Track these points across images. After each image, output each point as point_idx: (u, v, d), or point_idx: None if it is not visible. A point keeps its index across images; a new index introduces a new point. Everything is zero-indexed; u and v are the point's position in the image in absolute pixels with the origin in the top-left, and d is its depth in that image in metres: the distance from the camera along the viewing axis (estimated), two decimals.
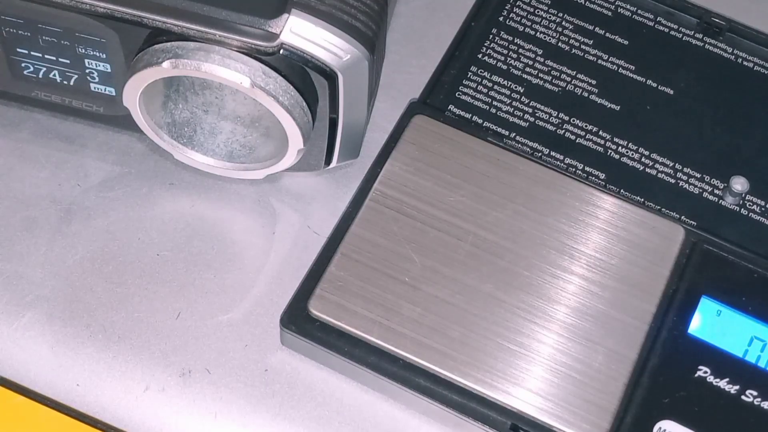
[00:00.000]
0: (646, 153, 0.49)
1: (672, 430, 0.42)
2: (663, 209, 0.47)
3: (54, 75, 0.45)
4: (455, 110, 0.49)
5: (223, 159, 0.46)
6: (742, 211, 0.48)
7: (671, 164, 0.48)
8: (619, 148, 0.49)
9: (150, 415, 0.43)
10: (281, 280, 0.46)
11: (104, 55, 0.44)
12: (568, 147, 0.48)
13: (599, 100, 0.50)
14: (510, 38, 0.51)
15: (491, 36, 0.51)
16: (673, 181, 0.48)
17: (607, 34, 0.52)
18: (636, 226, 0.46)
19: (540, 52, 0.51)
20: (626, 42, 0.51)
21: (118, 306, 0.45)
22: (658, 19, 0.52)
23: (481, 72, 0.50)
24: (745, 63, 0.51)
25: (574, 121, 0.49)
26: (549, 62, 0.51)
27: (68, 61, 0.44)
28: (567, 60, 0.51)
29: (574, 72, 0.50)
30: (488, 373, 0.42)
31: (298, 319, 0.43)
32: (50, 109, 0.47)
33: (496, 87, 0.50)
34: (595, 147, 0.49)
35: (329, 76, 0.42)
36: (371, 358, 0.42)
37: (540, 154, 0.48)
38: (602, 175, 0.48)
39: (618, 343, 0.43)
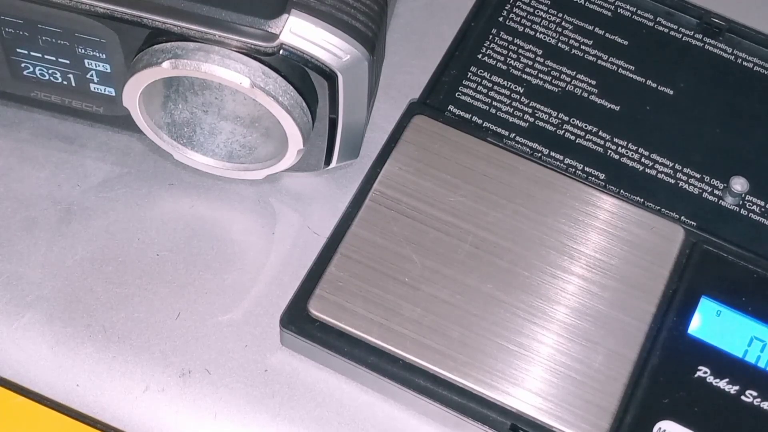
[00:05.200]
0: (646, 153, 0.49)
1: (672, 430, 0.42)
2: (663, 209, 0.47)
3: (54, 75, 0.45)
4: (455, 110, 0.49)
5: (223, 159, 0.46)
6: (742, 211, 0.48)
7: (671, 164, 0.48)
8: (619, 148, 0.49)
9: (150, 416, 0.43)
10: (281, 280, 0.46)
11: (104, 56, 0.44)
12: (568, 147, 0.48)
13: (599, 100, 0.50)
14: (510, 38, 0.51)
15: (491, 36, 0.51)
16: (672, 181, 0.48)
17: (607, 35, 0.52)
18: (636, 227, 0.46)
19: (540, 52, 0.51)
20: (626, 42, 0.51)
21: (118, 306, 0.45)
22: (658, 19, 0.52)
23: (480, 72, 0.50)
24: (745, 63, 0.52)
25: (574, 121, 0.49)
26: (549, 62, 0.51)
27: (68, 62, 0.44)
28: (567, 60, 0.51)
29: (574, 72, 0.50)
30: (488, 374, 0.42)
31: (298, 320, 0.43)
32: (50, 110, 0.47)
33: (495, 87, 0.50)
34: (594, 147, 0.49)
35: (329, 76, 0.42)
36: (371, 358, 0.42)
37: (540, 155, 0.48)
38: (602, 176, 0.48)
39: (618, 343, 0.43)
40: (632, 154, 0.48)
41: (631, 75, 0.51)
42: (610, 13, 0.52)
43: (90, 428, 0.43)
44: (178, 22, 0.41)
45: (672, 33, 0.52)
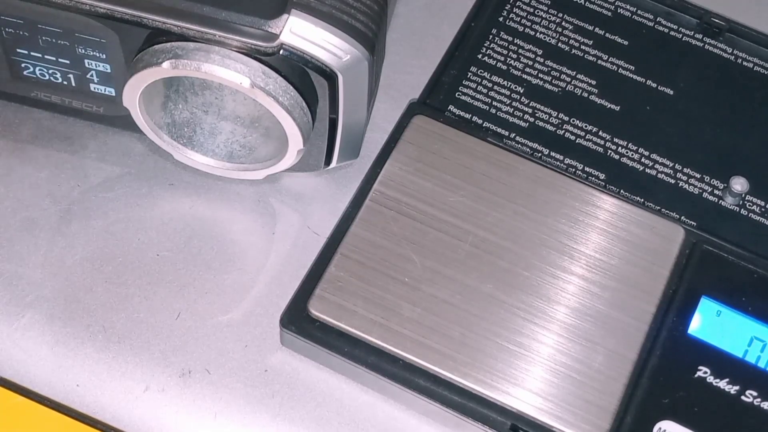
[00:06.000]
0: (646, 153, 0.49)
1: (672, 430, 0.42)
2: (663, 209, 0.47)
3: (54, 75, 0.45)
4: (455, 110, 0.49)
5: (223, 159, 0.46)
6: (742, 211, 0.48)
7: (671, 164, 0.48)
8: (619, 148, 0.49)
9: (150, 416, 0.43)
10: (281, 281, 0.46)
11: (104, 56, 0.44)
12: (568, 147, 0.48)
13: (599, 100, 0.50)
14: (510, 38, 0.51)
15: (491, 36, 0.51)
16: (673, 181, 0.48)
17: (607, 34, 0.52)
18: (636, 227, 0.46)
19: (540, 52, 0.51)
20: (626, 42, 0.51)
21: (118, 306, 0.45)
22: (658, 19, 0.52)
23: (481, 72, 0.50)
24: (745, 63, 0.52)
25: (574, 121, 0.49)
26: (549, 62, 0.51)
27: (68, 62, 0.44)
28: (567, 60, 0.51)
29: (574, 72, 0.50)
30: (488, 374, 0.42)
31: (298, 320, 0.43)
32: (50, 110, 0.47)
33: (496, 87, 0.50)
34: (595, 147, 0.49)
35: (329, 76, 0.42)
36: (371, 358, 0.42)
37: (540, 155, 0.48)
38: (602, 176, 0.48)
39: (618, 343, 0.43)
40: (632, 154, 0.48)
41: (631, 75, 0.51)
42: (610, 13, 0.52)
43: (90, 428, 0.43)
44: (178, 22, 0.41)
45: (672, 33, 0.52)
